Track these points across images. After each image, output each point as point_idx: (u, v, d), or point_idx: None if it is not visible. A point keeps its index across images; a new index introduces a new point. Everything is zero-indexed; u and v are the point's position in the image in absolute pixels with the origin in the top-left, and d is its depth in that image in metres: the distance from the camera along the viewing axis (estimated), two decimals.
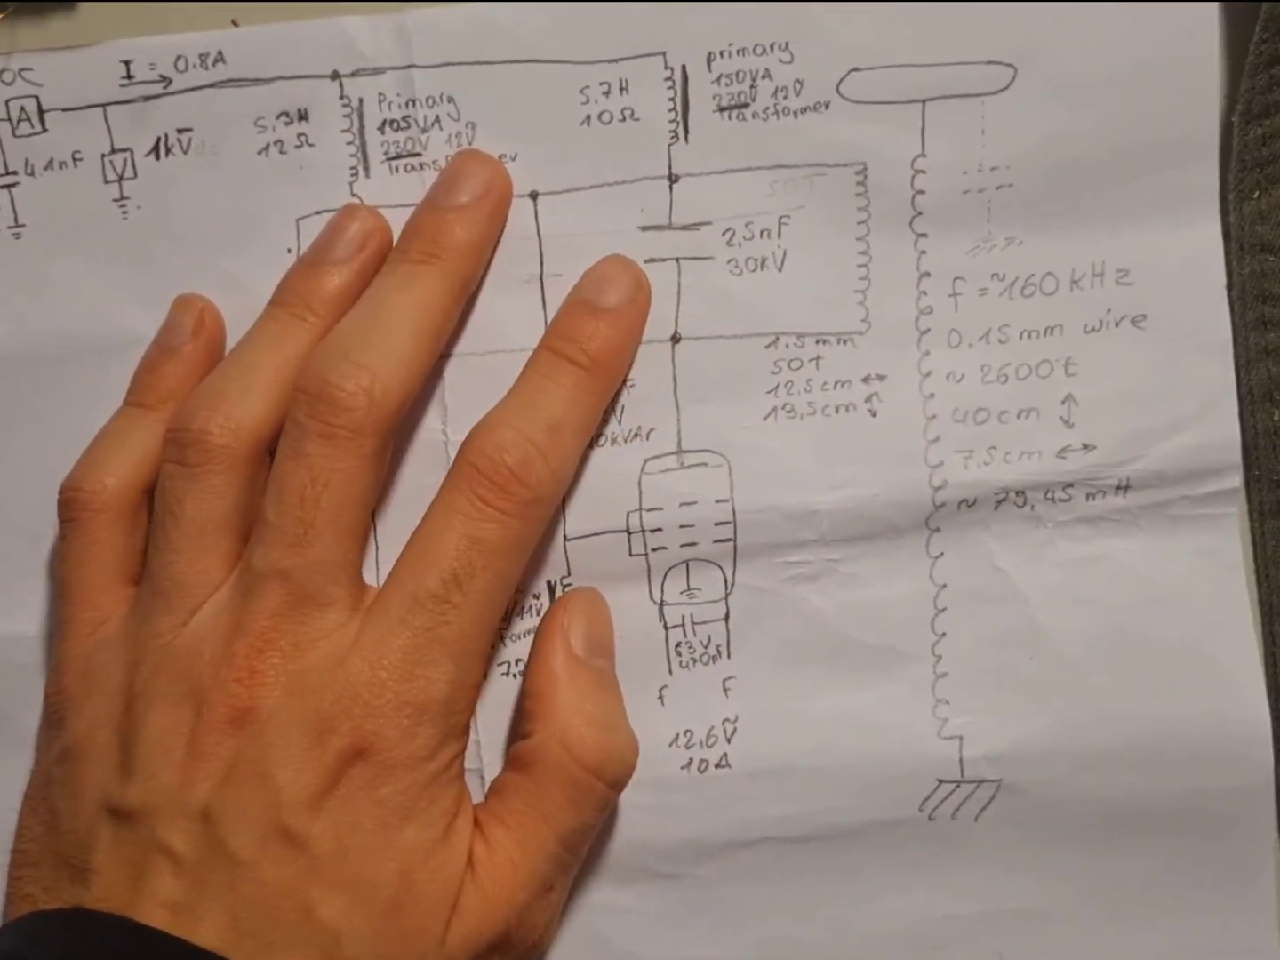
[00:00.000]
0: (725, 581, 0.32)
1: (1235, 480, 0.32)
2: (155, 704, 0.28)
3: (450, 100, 0.31)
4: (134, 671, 0.29)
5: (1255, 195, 0.31)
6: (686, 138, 0.31)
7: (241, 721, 0.27)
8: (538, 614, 0.32)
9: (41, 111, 0.32)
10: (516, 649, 0.32)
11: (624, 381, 0.32)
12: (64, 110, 0.32)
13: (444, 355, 0.32)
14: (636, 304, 0.31)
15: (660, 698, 0.33)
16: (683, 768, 0.33)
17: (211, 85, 0.32)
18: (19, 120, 0.32)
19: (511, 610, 0.32)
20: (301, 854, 0.27)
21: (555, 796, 0.29)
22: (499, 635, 0.32)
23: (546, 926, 0.30)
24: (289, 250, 0.32)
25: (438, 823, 0.28)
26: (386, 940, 0.27)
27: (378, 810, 0.27)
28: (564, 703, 0.30)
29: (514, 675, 0.33)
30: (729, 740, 0.32)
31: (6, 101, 0.32)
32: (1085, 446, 0.32)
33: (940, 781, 0.32)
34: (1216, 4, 0.30)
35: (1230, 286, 0.31)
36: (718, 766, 0.32)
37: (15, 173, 0.32)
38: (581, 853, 0.31)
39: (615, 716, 0.31)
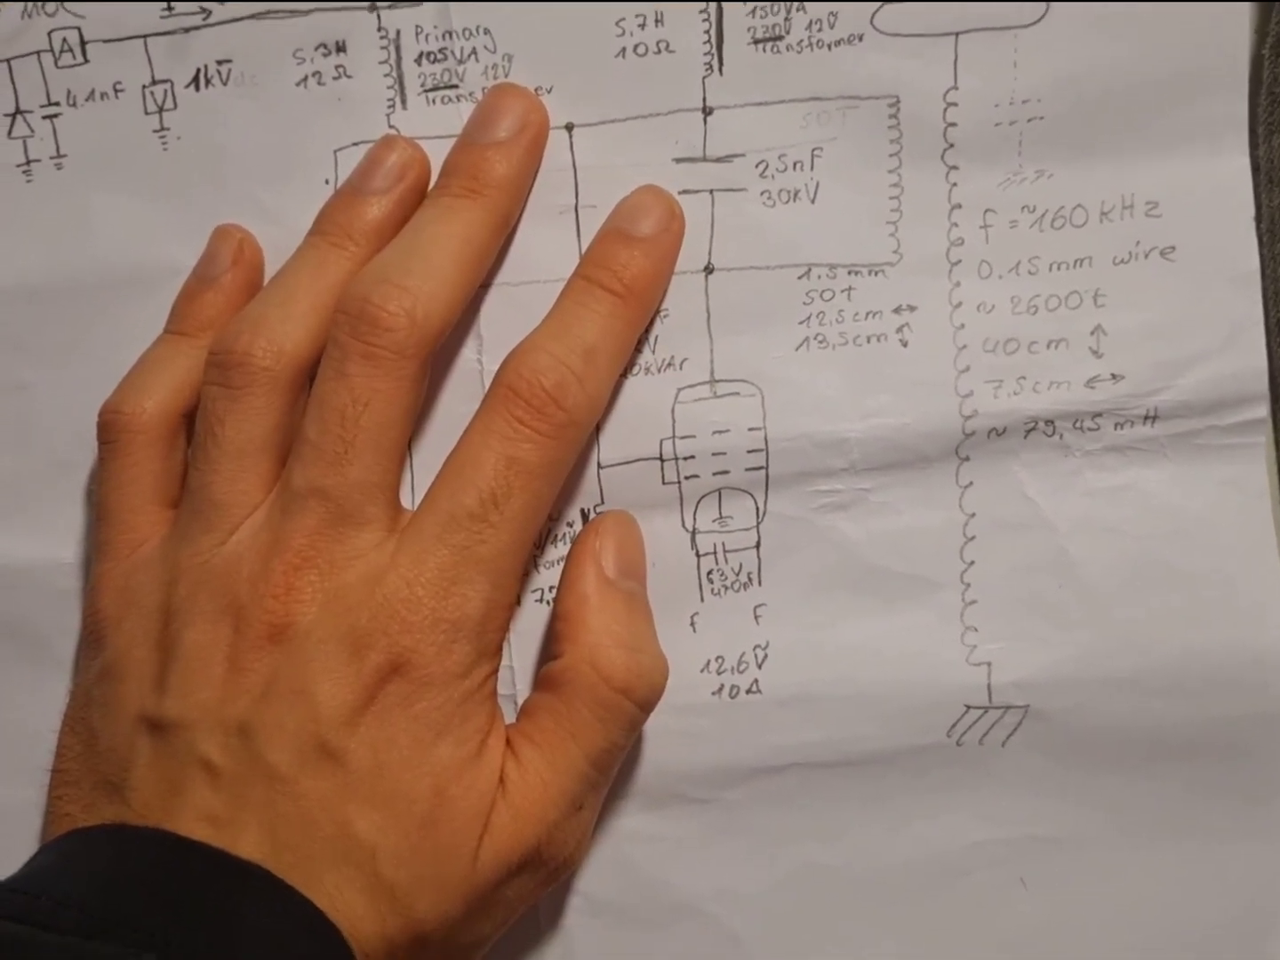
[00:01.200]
0: (757, 510, 0.33)
1: (1262, 410, 0.32)
2: (193, 621, 0.28)
3: (487, 32, 0.32)
4: (172, 590, 0.29)
5: None
6: (721, 70, 0.32)
7: (279, 637, 0.28)
8: (571, 542, 0.33)
9: (83, 43, 0.32)
10: (549, 576, 0.33)
11: (658, 311, 0.32)
12: (105, 42, 0.32)
13: (479, 285, 0.32)
14: (671, 232, 0.31)
15: (692, 624, 0.33)
16: (713, 694, 0.33)
17: (251, 17, 0.32)
18: (61, 51, 0.32)
19: (545, 538, 0.33)
20: (338, 769, 0.27)
21: (584, 716, 0.29)
22: (532, 562, 0.33)
23: (577, 846, 0.31)
24: (327, 181, 0.33)
25: (471, 739, 0.29)
26: (420, 856, 0.28)
27: (413, 726, 0.28)
28: (593, 624, 0.30)
29: (547, 603, 0.33)
30: (759, 666, 0.33)
31: (49, 33, 0.32)
32: (1114, 376, 0.32)
33: (968, 707, 0.33)
34: None
35: (1259, 219, 0.32)
36: (748, 692, 0.33)
37: (58, 103, 0.33)
38: (611, 773, 0.31)
39: (645, 638, 0.31)
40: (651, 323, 0.32)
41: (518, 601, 0.32)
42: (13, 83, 0.33)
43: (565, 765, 0.29)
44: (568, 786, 0.29)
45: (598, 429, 0.32)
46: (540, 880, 0.30)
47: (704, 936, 0.34)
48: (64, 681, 0.34)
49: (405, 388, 0.29)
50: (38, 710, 0.33)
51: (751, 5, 0.31)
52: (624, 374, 0.32)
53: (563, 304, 0.31)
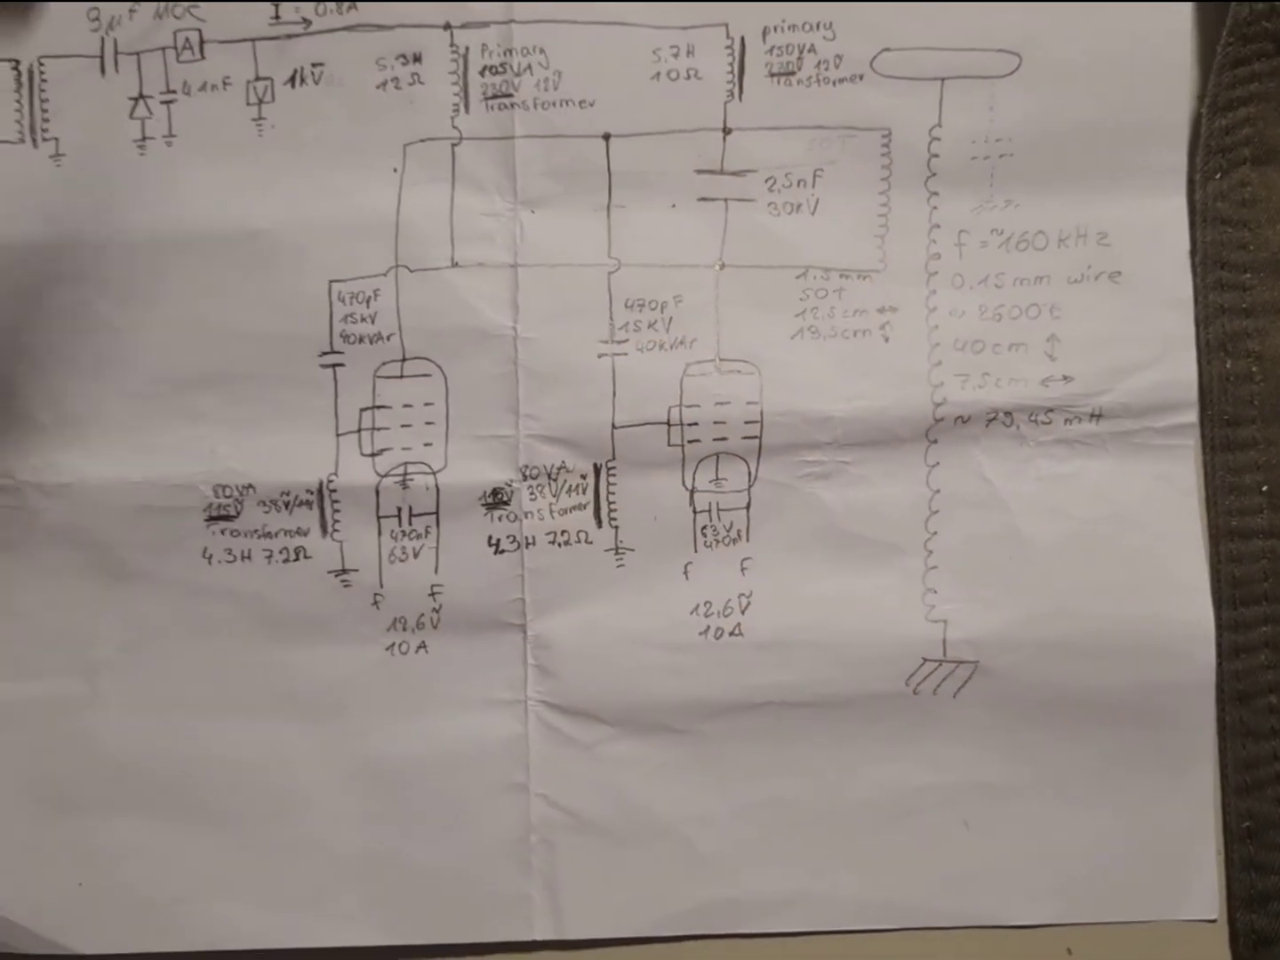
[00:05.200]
0: (749, 474, 0.37)
1: (1191, 416, 0.37)
2: None
3: (542, 51, 0.37)
4: None
5: (1217, 176, 0.37)
6: (740, 97, 0.37)
7: None
8: (583, 492, 0.37)
9: (202, 43, 0.38)
10: (564, 521, 0.37)
11: (674, 297, 0.37)
12: (220, 43, 0.38)
13: (520, 265, 0.37)
14: None
15: (685, 572, 0.37)
16: (700, 634, 0.37)
17: (344, 28, 0.38)
18: (183, 49, 0.38)
19: (560, 487, 0.37)
20: None
21: None
22: (548, 508, 0.37)
23: None
24: (395, 170, 0.38)
25: None
26: None
27: None
28: None
29: (559, 545, 0.37)
30: (743, 612, 0.37)
31: (175, 32, 0.38)
32: (1065, 378, 0.37)
33: (925, 660, 0.37)
34: (1190, 6, 0.36)
35: (1193, 252, 0.37)
36: (731, 635, 0.37)
37: (175, 92, 0.38)
38: None
39: None
40: (666, 306, 0.37)
41: None
42: (139, 72, 0.38)
43: None
44: None
45: (614, 393, 0.37)
46: None
47: (678, 856, 0.37)
48: (126, 589, 0.38)
49: None
50: (98, 610, 0.38)
51: (770, 44, 0.37)
52: (640, 349, 0.37)
53: None
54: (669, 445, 0.37)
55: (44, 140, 0.38)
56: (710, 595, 0.37)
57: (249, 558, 0.38)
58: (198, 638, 0.38)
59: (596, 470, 0.37)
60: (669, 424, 0.37)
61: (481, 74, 0.38)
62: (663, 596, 0.37)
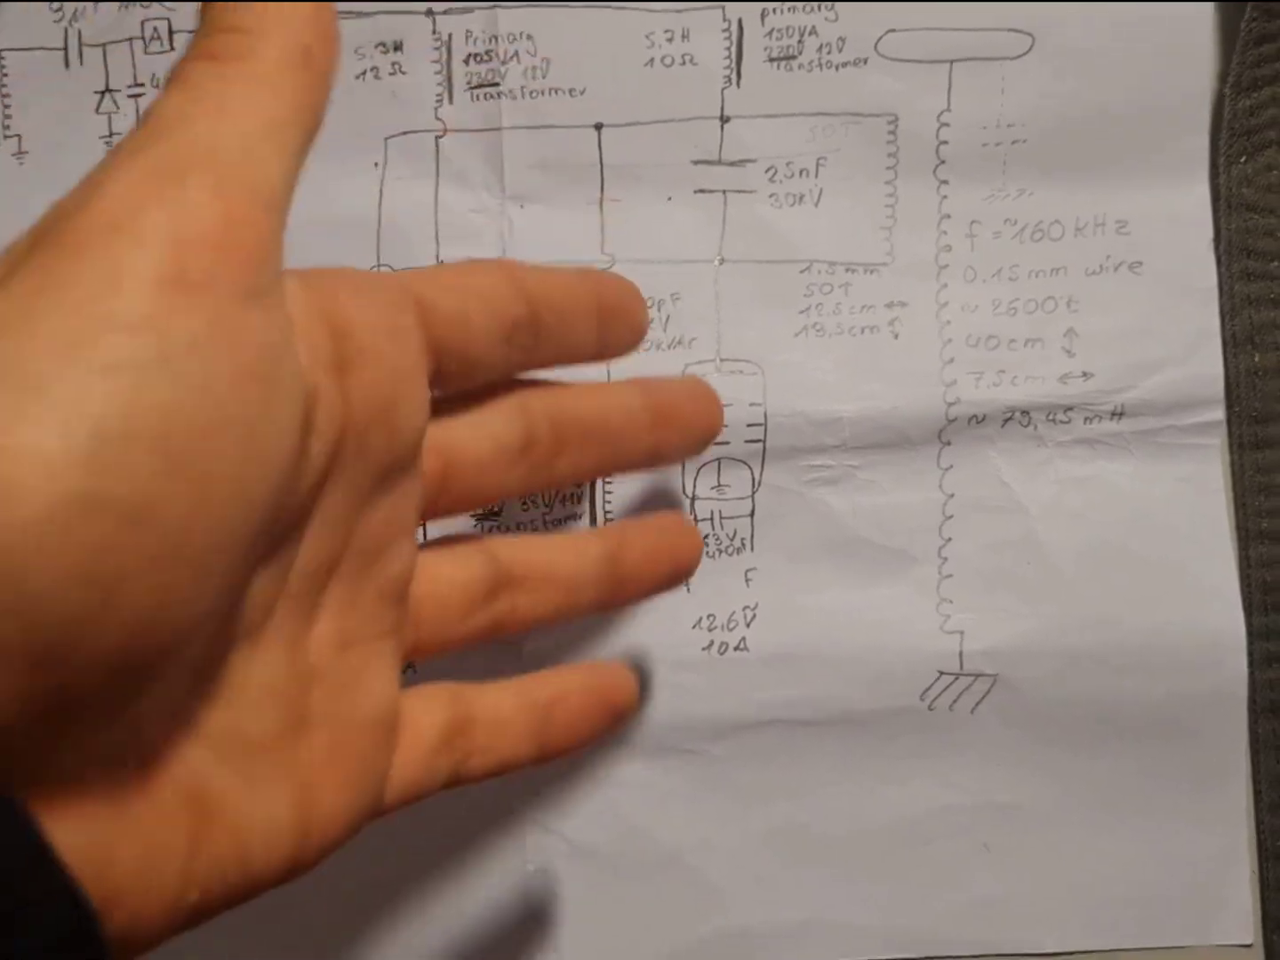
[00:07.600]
0: (753, 480, 0.35)
1: (1218, 414, 0.35)
2: None
3: (529, 38, 0.35)
4: None
5: (1242, 160, 0.35)
6: (739, 83, 0.35)
7: None
8: (578, 501, 0.35)
9: (172, 32, 0.36)
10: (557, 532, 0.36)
11: (671, 294, 0.35)
12: (191, 32, 0.36)
13: None
14: None
15: (686, 584, 0.35)
16: (704, 649, 0.35)
17: None
18: (151, 39, 0.36)
19: (554, 496, 0.36)
20: None
21: None
22: (541, 519, 0.35)
23: None
24: (376, 164, 0.36)
25: None
26: None
27: None
28: None
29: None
30: (748, 626, 0.35)
31: (142, 22, 0.36)
32: (1085, 374, 0.35)
33: (941, 673, 0.35)
34: None
35: (1217, 240, 0.35)
36: (736, 649, 0.35)
37: (143, 85, 0.36)
38: None
39: None
40: (663, 304, 0.35)
41: None
42: (105, 65, 0.36)
43: None
44: None
45: None
46: None
47: (685, 887, 0.35)
48: None
49: None
50: None
51: (769, 27, 0.35)
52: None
53: None
54: None
55: (6, 137, 0.36)
56: (713, 608, 0.35)
57: None
58: None
59: (592, 481, 0.36)
60: None
61: (466, 62, 0.36)
62: (663, 610, 0.35)
